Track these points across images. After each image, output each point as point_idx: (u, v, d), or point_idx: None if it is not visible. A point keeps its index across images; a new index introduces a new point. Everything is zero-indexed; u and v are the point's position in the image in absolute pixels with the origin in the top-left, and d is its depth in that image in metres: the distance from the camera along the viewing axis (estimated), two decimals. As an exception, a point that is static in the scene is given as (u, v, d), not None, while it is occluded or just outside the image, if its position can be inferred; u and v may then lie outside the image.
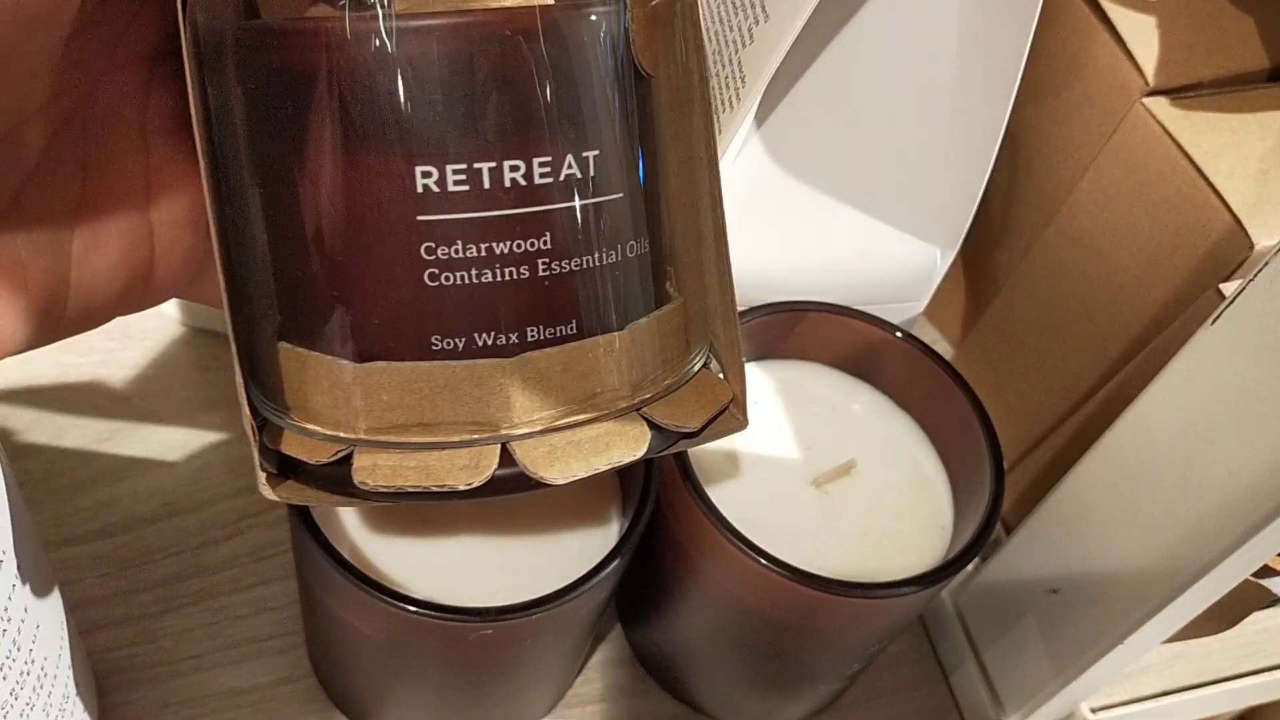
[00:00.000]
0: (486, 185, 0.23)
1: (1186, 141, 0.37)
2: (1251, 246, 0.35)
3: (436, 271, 0.23)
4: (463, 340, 0.24)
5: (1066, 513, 0.36)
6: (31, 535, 0.28)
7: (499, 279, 0.23)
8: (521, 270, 0.23)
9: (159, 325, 0.46)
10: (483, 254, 0.23)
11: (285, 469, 0.25)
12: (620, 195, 0.24)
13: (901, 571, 0.33)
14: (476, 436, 0.24)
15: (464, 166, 0.22)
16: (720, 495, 0.32)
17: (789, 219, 0.35)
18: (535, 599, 0.29)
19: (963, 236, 0.36)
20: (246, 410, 0.24)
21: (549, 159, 0.23)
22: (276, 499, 0.25)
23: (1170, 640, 0.36)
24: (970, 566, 0.36)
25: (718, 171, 0.26)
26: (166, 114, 0.25)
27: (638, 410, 0.26)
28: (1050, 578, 0.37)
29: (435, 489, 0.24)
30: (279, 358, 0.24)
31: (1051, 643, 0.38)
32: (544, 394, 0.24)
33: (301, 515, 0.29)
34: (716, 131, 0.26)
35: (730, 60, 0.31)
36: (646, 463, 0.32)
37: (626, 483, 0.34)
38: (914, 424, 0.37)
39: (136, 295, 0.26)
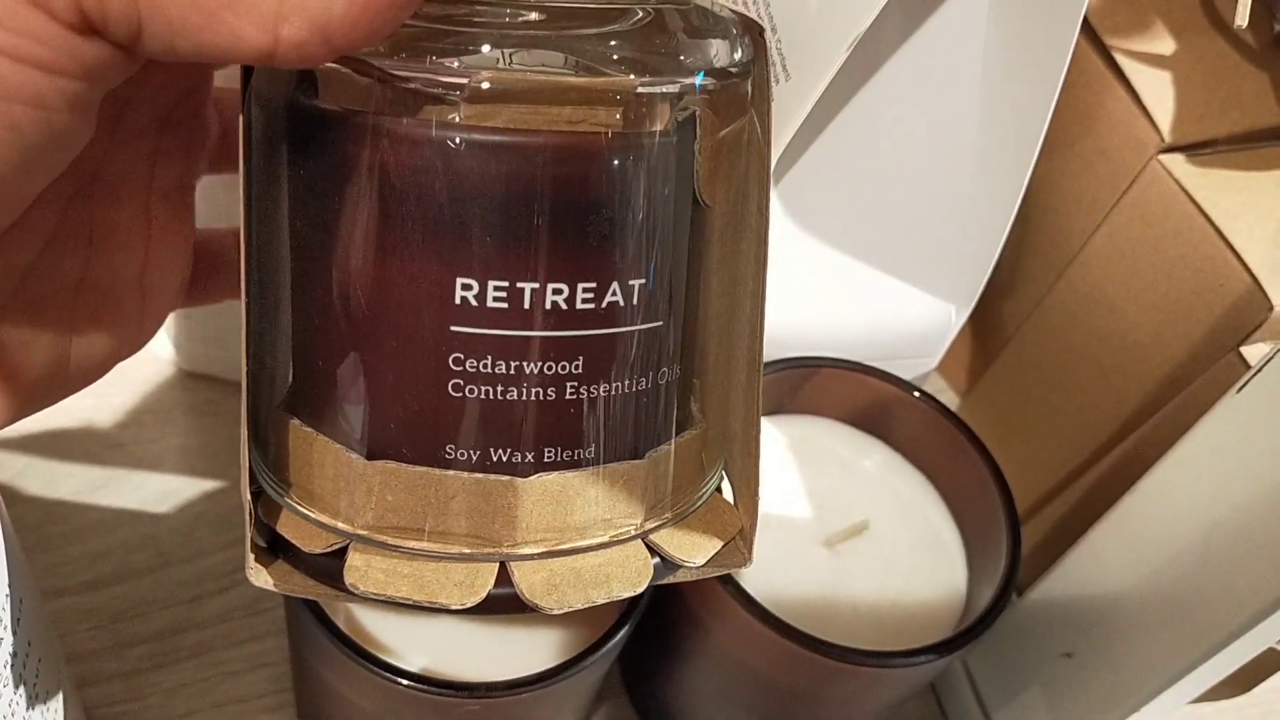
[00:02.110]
0: (526, 305, 0.22)
1: (1203, 199, 0.37)
2: (1271, 308, 0.34)
3: (461, 383, 0.22)
4: (477, 453, 0.23)
5: (1082, 576, 0.36)
6: (32, 587, 0.27)
7: (524, 398, 0.22)
8: (549, 392, 0.23)
9: (155, 370, 0.45)
10: (511, 372, 0.22)
11: (275, 546, 0.24)
12: (660, 324, 0.24)
13: (915, 635, 0.33)
14: (476, 551, 0.23)
15: (506, 284, 0.22)
16: (730, 555, 0.31)
17: (804, 274, 0.34)
18: (533, 675, 0.28)
19: (978, 295, 0.35)
20: (246, 481, 0.23)
21: (594, 285, 0.22)
22: (263, 586, 0.24)
23: (1184, 705, 0.35)
24: (984, 630, 0.35)
25: (762, 303, 0.25)
26: (169, 184, 0.25)
27: (644, 538, 0.25)
28: (1064, 641, 0.36)
29: (426, 604, 0.23)
30: (287, 432, 0.24)
31: (1064, 708, 0.37)
32: (552, 516, 0.23)
33: None
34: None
35: (748, 117, 0.30)
36: None
37: None
38: (927, 482, 0.37)
39: (127, 351, 0.26)
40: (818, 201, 0.33)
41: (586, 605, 0.24)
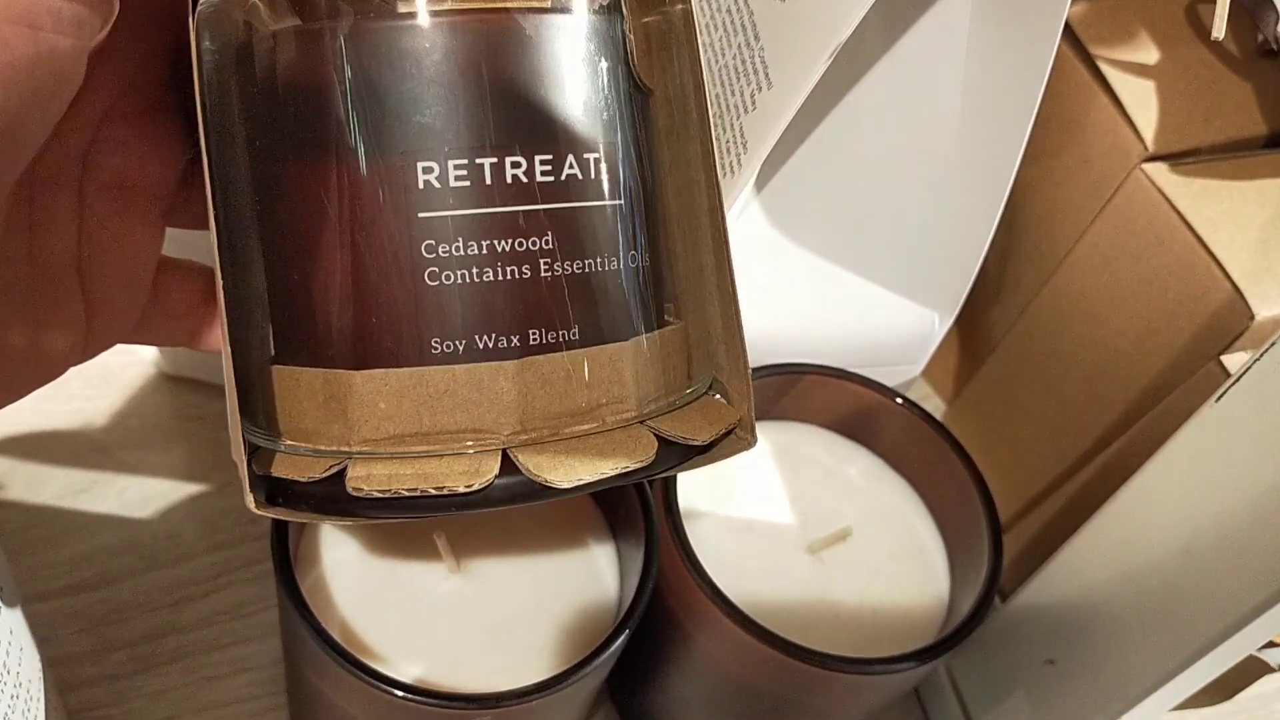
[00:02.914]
0: (488, 181, 0.22)
1: (1186, 208, 0.37)
2: (1252, 317, 0.35)
3: (437, 270, 0.22)
4: (463, 343, 0.23)
5: (1064, 583, 0.36)
6: (13, 589, 0.27)
7: (500, 278, 0.23)
8: (523, 269, 0.23)
9: (140, 374, 0.45)
10: (484, 251, 0.22)
11: (274, 497, 0.24)
12: (621, 202, 0.24)
13: (897, 642, 0.33)
14: (476, 444, 0.23)
15: (465, 162, 0.22)
16: (714, 560, 0.31)
17: (788, 282, 0.34)
18: (531, 685, 0.28)
19: (961, 302, 0.35)
20: (238, 435, 0.23)
21: (550, 157, 0.23)
22: (266, 514, 0.23)
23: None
24: (966, 636, 0.35)
25: (718, 193, 0.25)
26: (108, 178, 0.25)
27: (643, 423, 0.25)
28: (1047, 648, 0.37)
29: (434, 492, 0.23)
30: (273, 382, 0.24)
31: (1047, 715, 0.37)
32: (547, 400, 0.23)
33: (290, 592, 0.28)
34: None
35: (732, 125, 0.31)
36: (646, 540, 0.31)
37: (624, 557, 0.33)
38: (910, 489, 0.37)
39: (77, 352, 0.26)
40: (801, 209, 0.34)
41: (596, 478, 0.23)
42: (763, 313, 0.35)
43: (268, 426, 0.24)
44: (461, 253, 0.22)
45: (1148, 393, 0.38)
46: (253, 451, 0.24)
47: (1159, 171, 0.38)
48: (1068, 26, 0.40)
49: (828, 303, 0.35)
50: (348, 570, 0.31)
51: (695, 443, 0.25)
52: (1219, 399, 0.29)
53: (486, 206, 0.22)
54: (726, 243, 0.26)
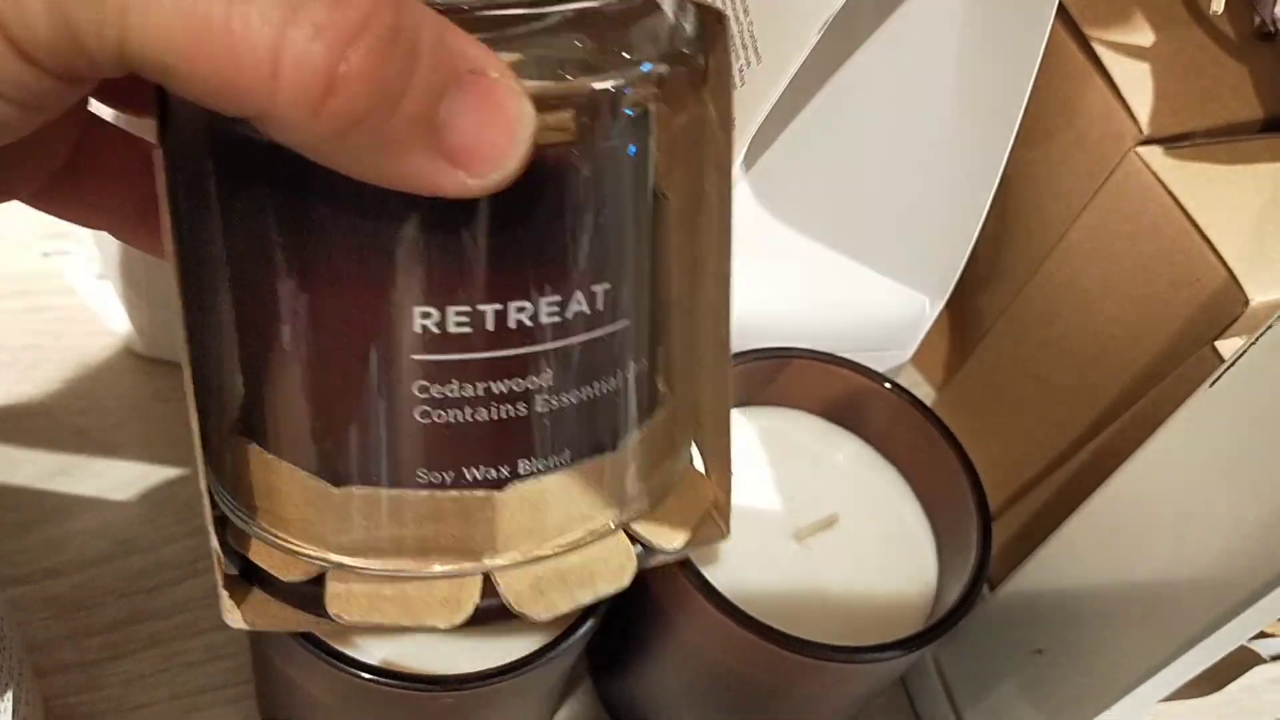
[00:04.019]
0: (490, 327, 0.21)
1: (1180, 193, 0.36)
2: (1246, 302, 0.34)
3: (429, 409, 0.22)
4: (451, 474, 0.22)
5: (1054, 572, 0.35)
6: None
7: (495, 417, 0.22)
8: (519, 407, 0.22)
9: (118, 356, 0.44)
10: (480, 393, 0.22)
11: (248, 574, 0.24)
12: (627, 323, 0.23)
13: (884, 630, 0.32)
14: (458, 568, 0.23)
15: (467, 309, 0.21)
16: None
17: (776, 264, 0.34)
18: (496, 668, 0.27)
19: (952, 286, 0.35)
20: (209, 512, 0.23)
21: (558, 299, 0.22)
22: (239, 626, 0.23)
23: (1156, 702, 0.35)
24: (954, 625, 0.35)
25: (728, 285, 0.24)
26: None
27: (624, 528, 0.25)
28: (1035, 637, 0.36)
29: (414, 626, 0.23)
30: (246, 458, 0.23)
31: (1035, 705, 0.36)
32: (531, 522, 0.23)
33: None
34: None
35: (720, 101, 0.30)
36: None
37: None
38: (898, 475, 0.36)
39: None
40: (790, 191, 0.33)
41: (574, 608, 0.24)
42: (751, 295, 0.34)
43: (238, 496, 0.23)
44: (456, 394, 0.22)
45: (1140, 379, 0.38)
46: (222, 520, 0.24)
47: (1154, 155, 0.37)
48: (1063, 8, 0.40)
49: (817, 285, 0.34)
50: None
51: (670, 550, 0.26)
52: (1213, 384, 0.29)
53: (485, 351, 0.21)
54: (728, 330, 0.25)
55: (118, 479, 0.41)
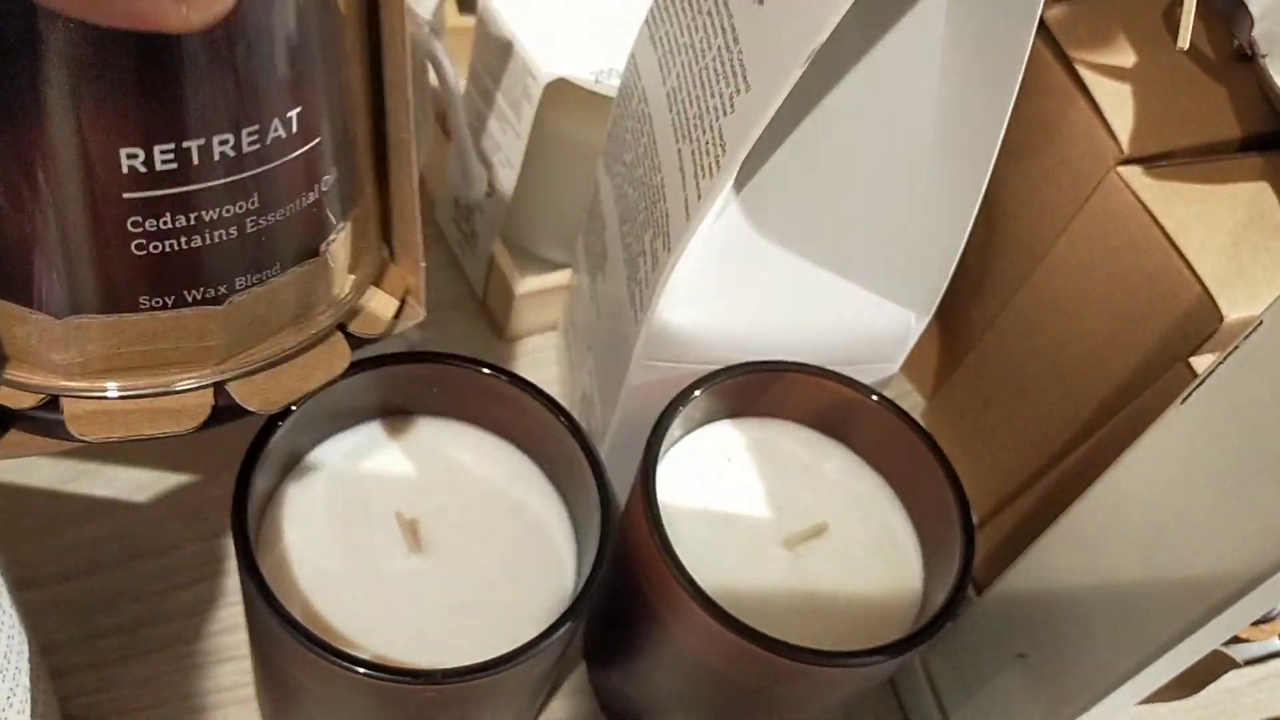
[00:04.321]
0: (196, 161, 0.22)
1: (1159, 211, 0.37)
2: (1221, 319, 0.35)
3: (144, 242, 0.23)
4: (172, 298, 0.24)
5: (1036, 578, 0.36)
6: (6, 579, 0.28)
7: (208, 242, 0.23)
8: (230, 231, 0.24)
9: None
10: (192, 222, 0.23)
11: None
12: (319, 140, 0.24)
13: (871, 635, 0.33)
14: (188, 382, 0.25)
15: (171, 146, 0.22)
16: (690, 553, 0.32)
17: (766, 281, 0.35)
18: (485, 661, 0.29)
19: (938, 301, 0.36)
20: None
21: (256, 127, 0.23)
22: None
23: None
24: (939, 630, 0.36)
25: (405, 89, 0.26)
26: None
27: (339, 328, 0.28)
28: (1018, 641, 0.37)
29: (158, 435, 0.25)
30: None
31: (1019, 706, 0.38)
32: (251, 331, 0.25)
33: (251, 571, 0.29)
34: (695, 197, 0.27)
35: (711, 127, 0.31)
36: (603, 524, 0.32)
37: (582, 544, 0.34)
38: (886, 485, 0.37)
39: None
40: (779, 209, 0.34)
41: (293, 399, 0.27)
42: (741, 311, 0.35)
43: None
44: (169, 225, 0.23)
45: (1119, 392, 0.39)
46: None
47: (1133, 174, 0.38)
48: (1046, 29, 0.41)
49: (805, 301, 0.36)
50: (308, 550, 0.32)
51: (376, 335, 0.28)
52: (1184, 401, 0.30)
53: (194, 184, 0.23)
54: (408, 123, 0.26)
55: (129, 484, 0.42)
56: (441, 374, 0.34)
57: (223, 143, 0.23)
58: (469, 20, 0.50)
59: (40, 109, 0.21)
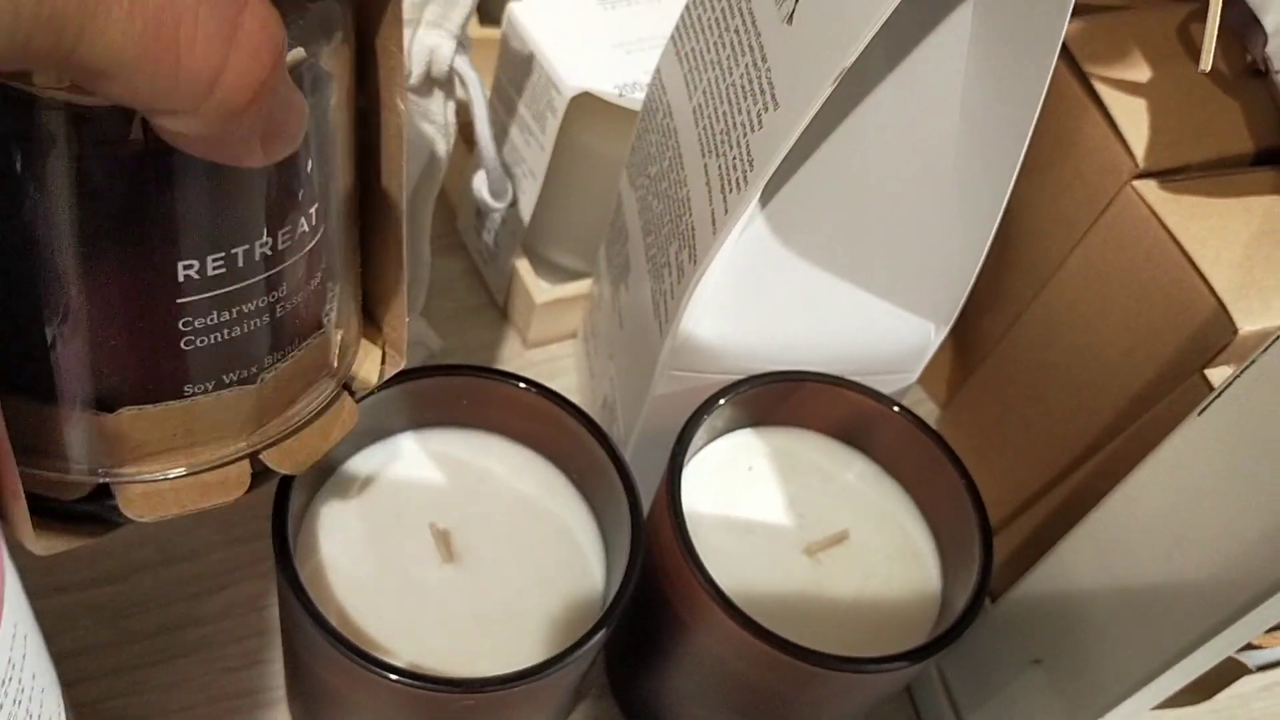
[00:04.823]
0: (240, 265, 0.25)
1: (1174, 225, 0.38)
2: (1235, 331, 0.36)
3: (192, 338, 0.25)
4: (213, 383, 0.26)
5: (1051, 586, 0.37)
6: (20, 586, 0.28)
7: (246, 331, 0.26)
8: (264, 318, 0.26)
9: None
10: (234, 316, 0.25)
11: (38, 509, 0.26)
12: (327, 225, 0.27)
13: (891, 642, 0.34)
14: (227, 455, 0.27)
15: (222, 255, 0.24)
16: (712, 559, 0.33)
17: (789, 293, 0.36)
18: (523, 670, 0.29)
19: (957, 313, 0.36)
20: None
21: (289, 228, 0.25)
22: (46, 553, 0.26)
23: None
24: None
25: (401, 187, 0.29)
26: None
27: (344, 386, 0.31)
28: (1034, 648, 0.38)
29: (208, 507, 0.28)
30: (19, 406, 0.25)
31: (1034, 712, 0.38)
32: (276, 404, 0.28)
33: (288, 576, 0.30)
34: (722, 211, 0.28)
35: (738, 144, 0.32)
36: (633, 539, 0.32)
37: (611, 553, 0.35)
38: (905, 494, 0.38)
39: None
40: (804, 223, 0.35)
41: (319, 456, 0.30)
42: (765, 322, 0.36)
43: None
44: (215, 321, 0.25)
45: (1134, 403, 0.39)
46: None
47: (1149, 188, 0.39)
48: (1063, 45, 0.41)
49: (828, 313, 0.36)
50: (344, 559, 0.33)
51: (369, 389, 0.32)
52: (1202, 412, 0.31)
53: (238, 283, 0.25)
54: (401, 215, 0.29)
55: (158, 491, 0.43)
56: (472, 386, 0.35)
57: (262, 245, 0.25)
58: (491, 32, 0.51)
59: (113, 234, 0.23)
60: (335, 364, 0.30)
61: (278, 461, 0.29)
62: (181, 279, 0.24)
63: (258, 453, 0.28)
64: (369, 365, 0.32)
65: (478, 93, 0.39)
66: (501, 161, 0.45)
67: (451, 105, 0.41)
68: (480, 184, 0.43)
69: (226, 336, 0.26)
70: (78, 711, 0.36)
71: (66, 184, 0.22)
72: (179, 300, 0.24)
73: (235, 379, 0.27)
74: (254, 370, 0.27)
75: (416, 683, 0.29)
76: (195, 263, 0.24)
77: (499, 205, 0.43)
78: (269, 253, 0.25)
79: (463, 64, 0.39)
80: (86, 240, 0.23)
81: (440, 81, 0.40)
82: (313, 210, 0.26)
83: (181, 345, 0.25)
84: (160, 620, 0.40)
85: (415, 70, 0.39)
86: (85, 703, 0.37)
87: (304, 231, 0.26)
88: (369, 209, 0.30)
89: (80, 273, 0.23)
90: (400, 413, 0.35)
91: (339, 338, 0.30)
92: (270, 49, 0.19)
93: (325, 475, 0.34)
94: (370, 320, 0.33)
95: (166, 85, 0.18)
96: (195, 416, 0.26)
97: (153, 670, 0.39)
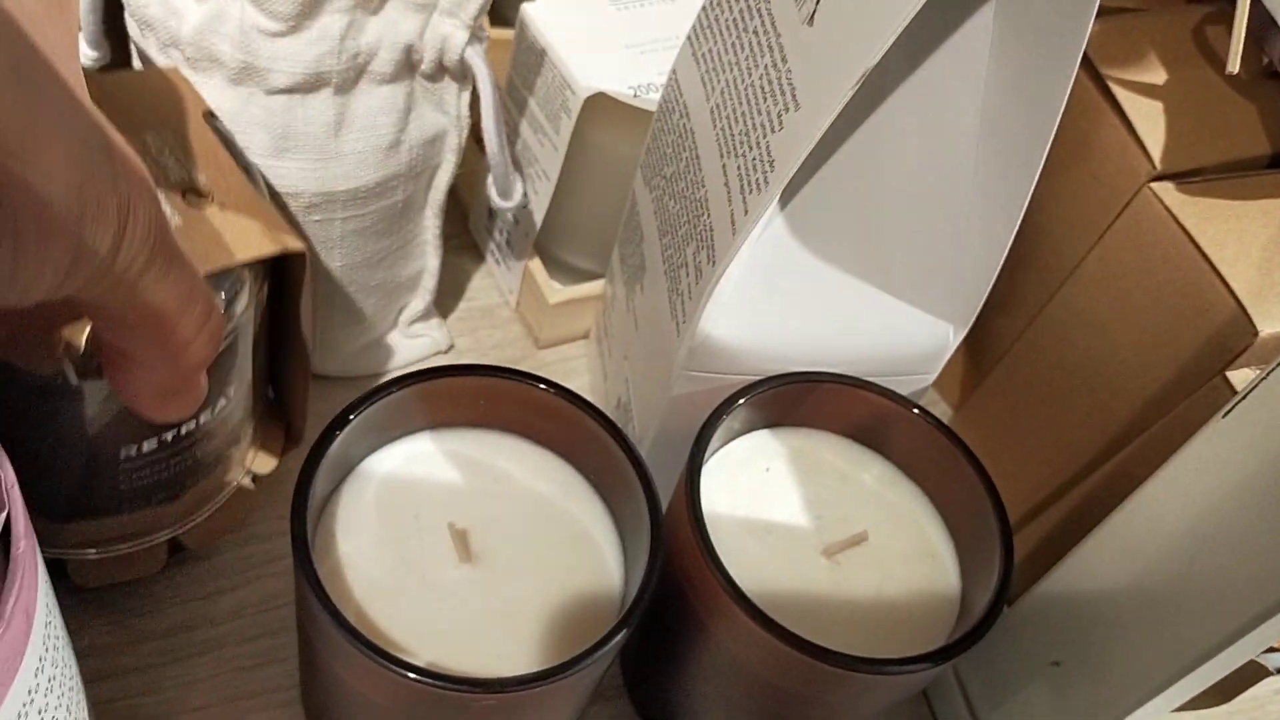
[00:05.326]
0: (170, 439, 0.34)
1: (1192, 227, 0.38)
2: (1255, 333, 0.36)
3: (130, 481, 0.35)
4: (145, 502, 0.36)
5: (1071, 588, 0.37)
6: (49, 587, 0.28)
7: (174, 470, 0.36)
8: (189, 458, 0.36)
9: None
10: (165, 463, 0.35)
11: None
12: (236, 399, 0.36)
13: (909, 643, 0.34)
14: (151, 543, 0.38)
15: (155, 439, 0.34)
16: (731, 560, 0.32)
17: (807, 293, 0.36)
18: (543, 670, 0.29)
19: (975, 314, 0.36)
20: None
21: (218, 406, 0.35)
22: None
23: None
24: (975, 638, 0.36)
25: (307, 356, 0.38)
26: None
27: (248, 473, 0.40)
28: (1053, 650, 0.38)
29: (125, 580, 0.38)
30: None
31: (1052, 714, 0.38)
32: (195, 506, 0.38)
33: (307, 575, 0.30)
34: (741, 211, 0.29)
35: (758, 144, 0.32)
36: (652, 540, 0.32)
37: (630, 554, 0.34)
38: (923, 495, 0.38)
39: None
40: (823, 223, 0.35)
41: (228, 533, 0.40)
42: (782, 323, 0.36)
43: None
44: (148, 469, 0.35)
45: (1152, 405, 0.39)
46: None
47: (1166, 190, 0.39)
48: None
49: (846, 314, 0.36)
50: (360, 559, 0.33)
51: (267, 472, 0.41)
52: (1226, 415, 0.31)
53: (170, 450, 0.35)
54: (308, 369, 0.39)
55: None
56: (489, 387, 0.35)
57: (191, 419, 0.34)
58: (505, 32, 0.51)
59: (67, 440, 0.33)
60: (241, 465, 0.39)
61: (193, 543, 0.39)
62: (123, 457, 0.34)
63: (176, 538, 0.38)
64: (270, 448, 0.41)
65: (486, 84, 0.39)
66: (514, 161, 0.45)
67: (465, 96, 0.41)
68: (492, 183, 0.43)
69: (158, 476, 0.35)
70: (92, 710, 0.36)
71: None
72: (120, 465, 0.34)
73: (162, 498, 0.36)
74: (177, 490, 0.36)
75: (438, 683, 0.28)
76: (135, 447, 0.34)
77: (506, 204, 0.43)
78: (199, 423, 0.35)
79: (473, 54, 0.39)
80: (53, 444, 0.33)
81: (452, 71, 0.40)
82: (234, 385, 0.35)
83: (120, 486, 0.35)
84: (174, 620, 0.40)
85: (427, 57, 0.39)
86: (99, 702, 0.37)
87: (224, 402, 0.35)
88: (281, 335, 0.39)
89: (42, 453, 0.33)
90: (417, 413, 0.35)
91: (247, 453, 0.39)
92: (220, 332, 0.26)
93: (343, 475, 0.34)
94: (277, 400, 0.41)
95: (165, 372, 0.25)
96: (125, 524, 0.36)
97: (168, 669, 0.39)
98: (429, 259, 0.46)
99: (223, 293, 0.33)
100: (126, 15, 0.38)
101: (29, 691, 0.24)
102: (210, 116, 0.37)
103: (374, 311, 0.46)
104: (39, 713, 0.25)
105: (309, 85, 0.37)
